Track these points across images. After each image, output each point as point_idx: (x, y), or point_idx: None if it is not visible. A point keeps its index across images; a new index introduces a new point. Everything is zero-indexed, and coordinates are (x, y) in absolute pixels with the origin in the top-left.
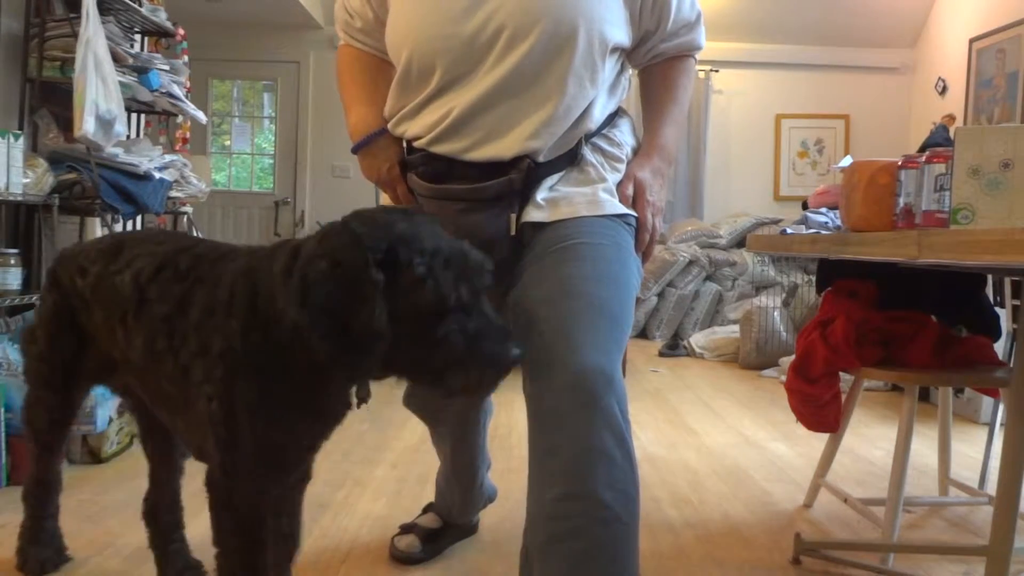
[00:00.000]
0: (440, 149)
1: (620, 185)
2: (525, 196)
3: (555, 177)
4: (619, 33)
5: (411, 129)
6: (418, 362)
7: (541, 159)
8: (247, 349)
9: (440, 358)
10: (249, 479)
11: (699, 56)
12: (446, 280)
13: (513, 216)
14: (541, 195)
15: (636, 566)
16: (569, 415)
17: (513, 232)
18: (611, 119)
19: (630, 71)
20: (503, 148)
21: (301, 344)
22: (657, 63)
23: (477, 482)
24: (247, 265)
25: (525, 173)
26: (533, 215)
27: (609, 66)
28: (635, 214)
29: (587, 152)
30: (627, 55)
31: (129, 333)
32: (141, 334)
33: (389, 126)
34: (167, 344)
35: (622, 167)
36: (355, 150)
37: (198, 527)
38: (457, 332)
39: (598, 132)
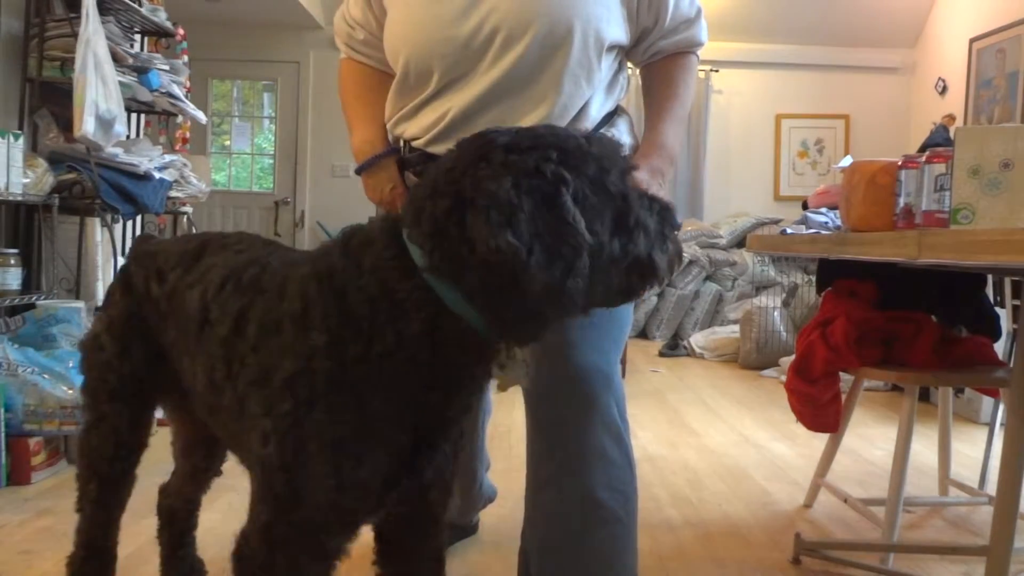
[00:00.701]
0: (437, 150)
1: None
2: None
3: None
4: (616, 31)
5: (409, 130)
6: (617, 260)
7: None
8: (338, 368)
9: (640, 244)
10: (306, 541)
11: (700, 54)
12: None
13: None
14: None
15: (635, 565)
16: (567, 416)
17: None
18: (609, 118)
19: (628, 69)
20: None
21: (452, 329)
22: (657, 60)
23: (476, 483)
24: (315, 269)
25: None
26: None
27: (606, 65)
28: None
29: None
30: (626, 53)
31: (192, 360)
32: (201, 361)
33: (388, 126)
34: (225, 372)
35: None
36: (359, 171)
37: (204, 522)
38: (646, 212)
39: (595, 132)
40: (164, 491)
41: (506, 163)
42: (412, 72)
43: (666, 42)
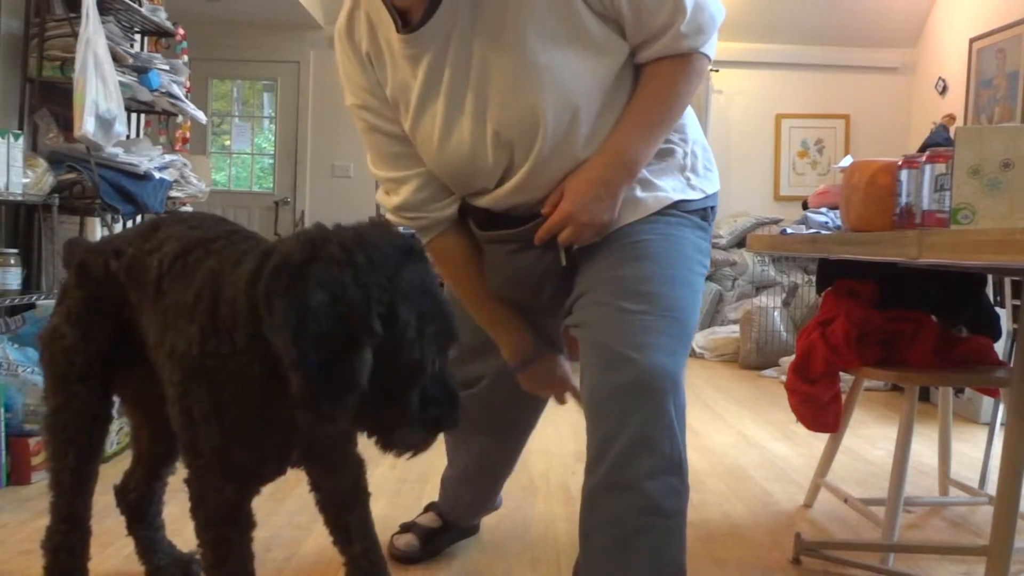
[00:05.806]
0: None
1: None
2: None
3: None
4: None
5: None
6: (371, 416)
7: None
8: (203, 355)
9: (393, 415)
10: (212, 486)
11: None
12: (430, 348)
13: (563, 250)
14: None
15: (677, 563)
16: (627, 412)
17: (564, 263)
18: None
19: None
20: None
21: (261, 355)
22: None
23: (497, 487)
24: (215, 267)
25: None
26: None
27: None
28: (687, 198)
29: None
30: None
31: (148, 319)
32: (153, 323)
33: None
34: (159, 338)
35: (672, 159)
36: (517, 370)
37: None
38: (418, 395)
39: None
40: (125, 488)
41: (338, 283)
42: (458, 188)
43: (649, 51)
